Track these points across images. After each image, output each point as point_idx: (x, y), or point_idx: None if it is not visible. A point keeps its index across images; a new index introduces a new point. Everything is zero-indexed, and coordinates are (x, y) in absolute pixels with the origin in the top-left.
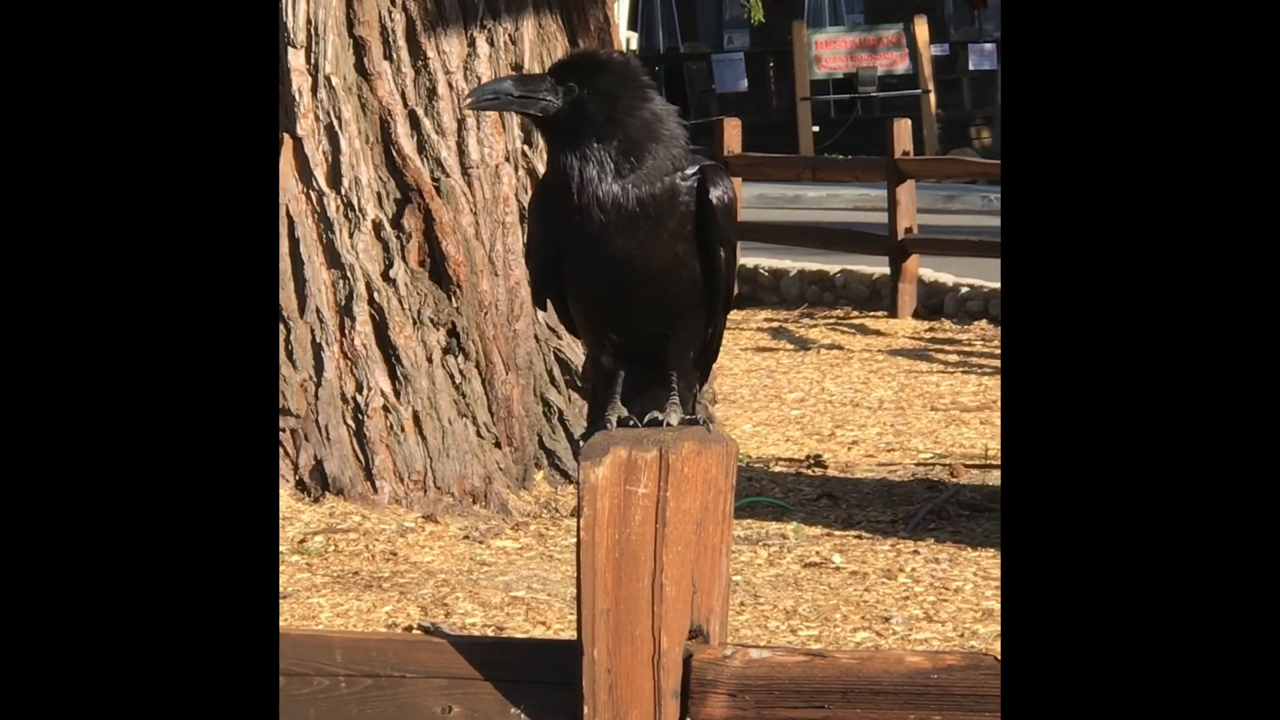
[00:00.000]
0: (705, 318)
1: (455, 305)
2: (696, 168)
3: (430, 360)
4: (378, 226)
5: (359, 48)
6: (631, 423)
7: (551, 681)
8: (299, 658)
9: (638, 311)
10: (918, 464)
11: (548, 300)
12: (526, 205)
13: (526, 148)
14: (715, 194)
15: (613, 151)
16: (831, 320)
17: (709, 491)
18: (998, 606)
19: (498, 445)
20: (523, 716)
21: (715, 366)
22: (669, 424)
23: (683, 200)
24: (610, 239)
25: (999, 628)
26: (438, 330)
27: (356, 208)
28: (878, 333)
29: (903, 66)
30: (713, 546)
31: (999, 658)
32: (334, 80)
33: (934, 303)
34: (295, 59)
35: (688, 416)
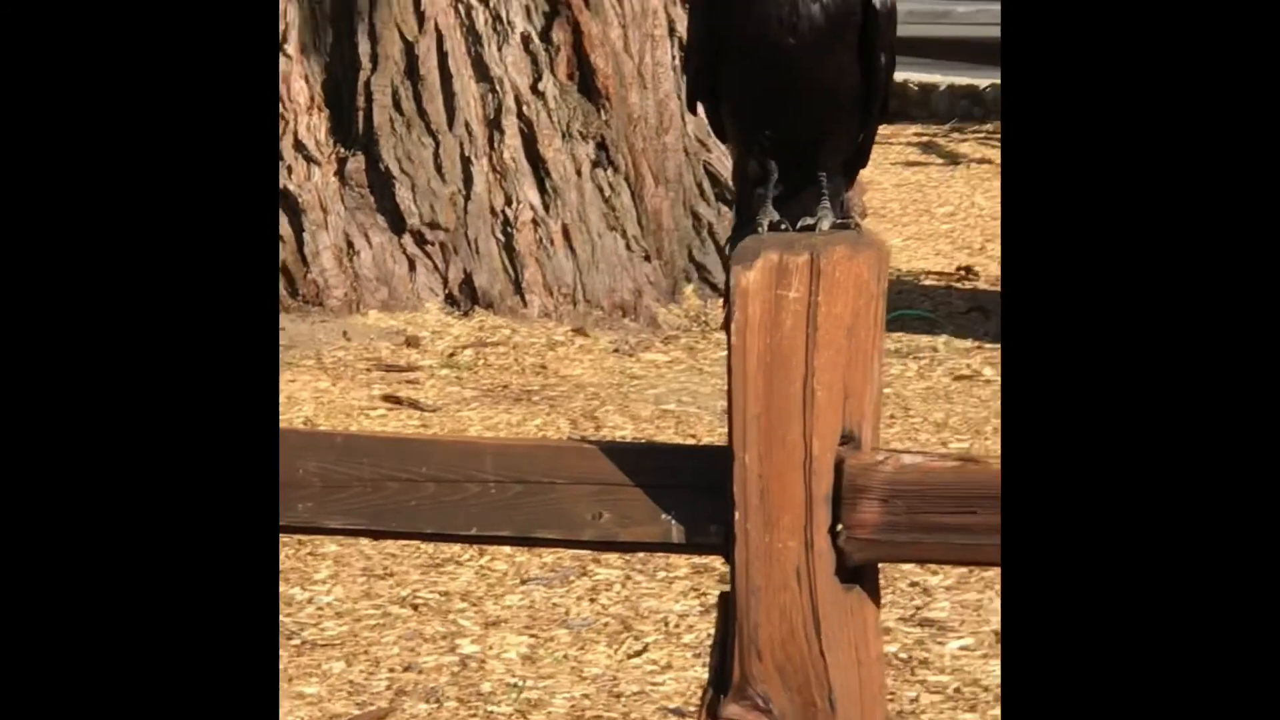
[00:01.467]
0: (860, 122)
1: (604, 118)
2: None
3: (579, 174)
4: (526, 39)
5: None
6: (784, 227)
7: (702, 487)
8: (448, 464)
9: (799, 114)
10: None
11: (699, 104)
12: (687, 5)
13: None
14: (879, 1)
15: None
16: (981, 135)
17: (860, 296)
18: None
19: (647, 258)
20: (674, 522)
21: (865, 180)
22: (821, 229)
23: (853, 7)
24: (784, 45)
25: None
26: (586, 143)
27: (505, 20)
28: None
29: None
30: (864, 352)
31: None
32: None
33: None
34: None
35: (840, 221)
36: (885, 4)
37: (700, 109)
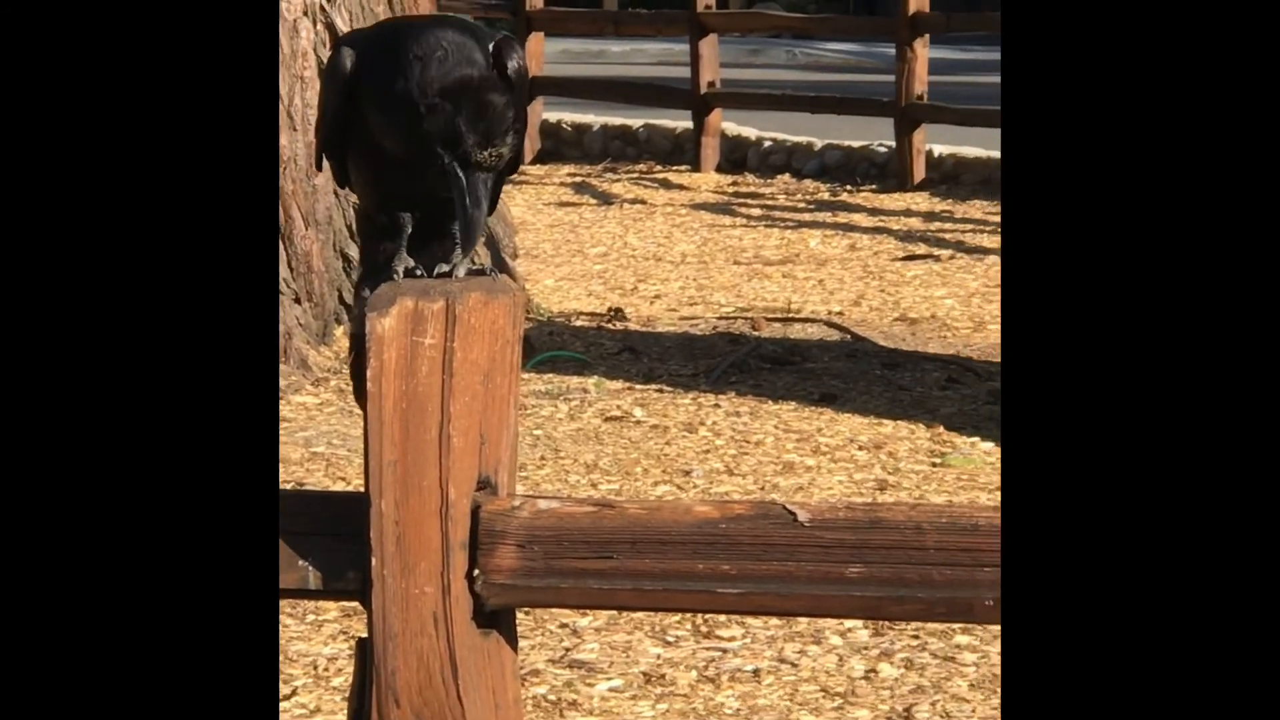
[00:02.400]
0: (493, 179)
1: None
2: (493, 44)
3: None
4: None
5: None
6: (419, 273)
7: (341, 534)
8: None
9: (429, 177)
10: (720, 318)
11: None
12: (322, 69)
13: (325, 2)
14: (511, 66)
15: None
16: (635, 175)
17: (496, 342)
18: (797, 459)
19: (297, 301)
20: (311, 568)
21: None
22: (457, 275)
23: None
24: (421, 120)
25: (799, 480)
26: None
27: None
28: (681, 187)
29: None
30: (501, 398)
31: (788, 507)
32: None
33: (737, 157)
34: None
35: (475, 267)
36: (518, 70)
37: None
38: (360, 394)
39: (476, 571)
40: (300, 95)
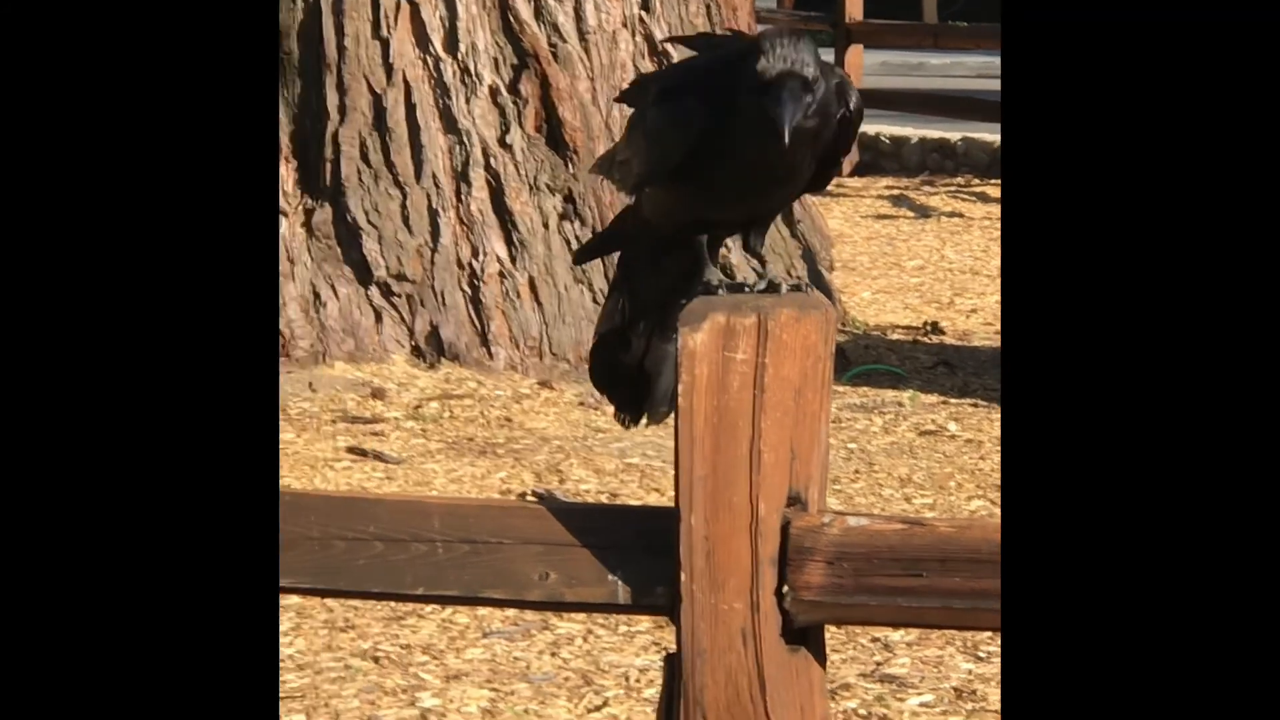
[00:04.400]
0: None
1: (571, 171)
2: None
3: (546, 226)
4: (494, 92)
5: None
6: (745, 288)
7: (650, 548)
8: (396, 523)
9: (752, 202)
10: None
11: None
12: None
13: (644, 13)
14: (854, 103)
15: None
16: (952, 188)
17: (808, 358)
18: None
19: None
20: (620, 583)
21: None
22: (776, 287)
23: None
24: (777, 159)
25: None
26: (554, 196)
27: (473, 73)
28: (999, 200)
29: None
30: (811, 414)
31: None
32: None
33: None
34: None
35: (791, 282)
36: (858, 113)
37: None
38: (599, 384)
39: (786, 588)
40: (619, 107)
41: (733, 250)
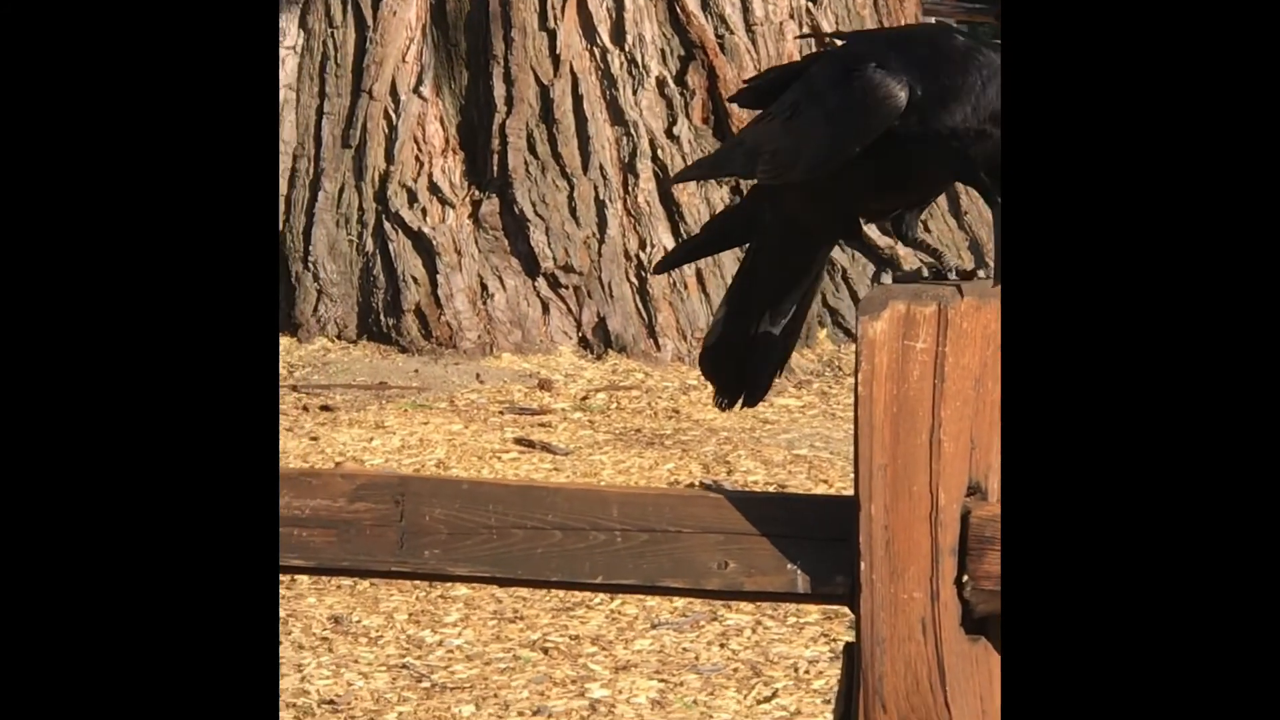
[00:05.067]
0: None
1: None
2: None
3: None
4: (661, 83)
5: None
6: (928, 272)
7: (828, 538)
8: (574, 512)
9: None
10: None
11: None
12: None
13: (811, 4)
14: None
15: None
16: None
17: (988, 347)
18: None
19: None
20: (799, 572)
21: None
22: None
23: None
24: (970, 146)
25: None
26: (721, 187)
27: (640, 64)
28: None
29: None
30: (991, 403)
31: None
32: None
33: None
34: None
35: (972, 268)
36: None
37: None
38: (707, 372)
39: (965, 577)
40: None
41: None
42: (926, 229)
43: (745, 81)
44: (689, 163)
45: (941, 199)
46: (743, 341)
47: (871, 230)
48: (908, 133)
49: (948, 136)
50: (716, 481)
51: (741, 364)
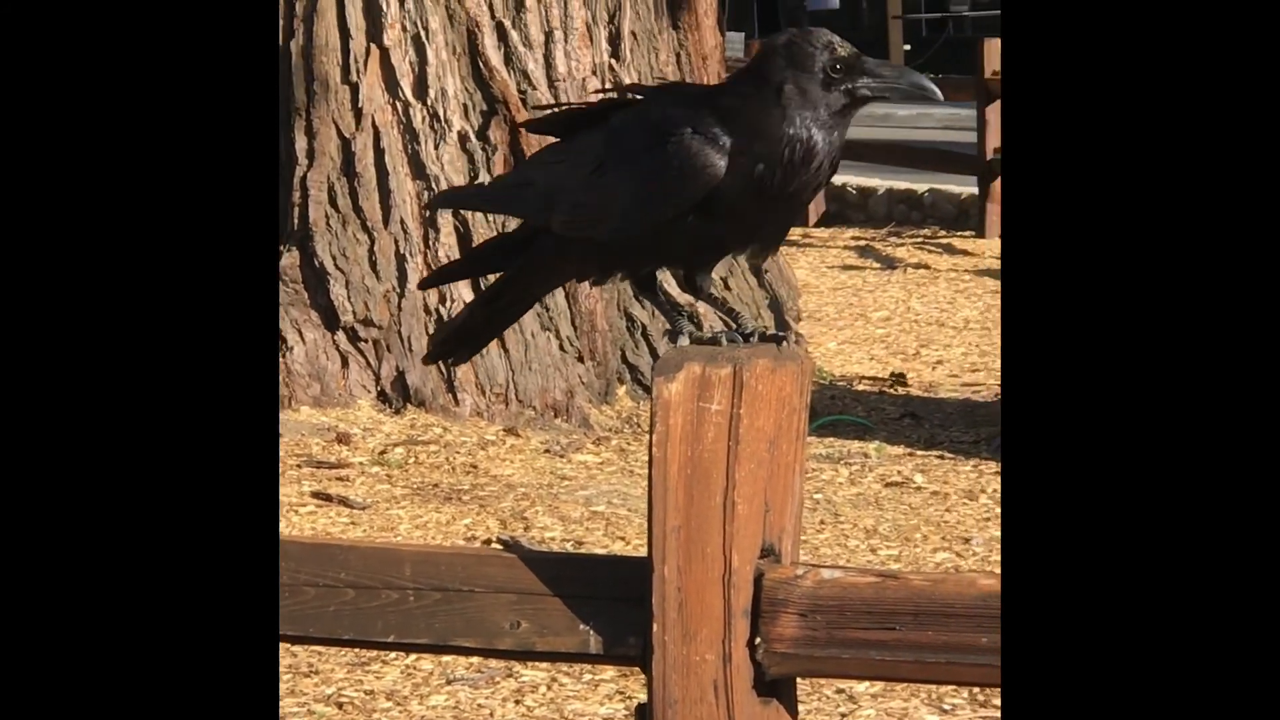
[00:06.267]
0: None
1: None
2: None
3: None
4: (463, 138)
5: None
6: (710, 337)
7: (622, 598)
8: (368, 570)
9: (728, 246)
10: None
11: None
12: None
13: (614, 61)
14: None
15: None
16: (919, 239)
17: (783, 409)
18: None
19: (580, 359)
20: (592, 633)
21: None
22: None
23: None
24: (777, 201)
25: None
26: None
27: (442, 119)
28: (965, 252)
29: None
30: (786, 465)
31: None
32: None
33: None
34: None
35: (768, 333)
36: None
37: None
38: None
39: (758, 640)
40: None
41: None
42: (727, 286)
43: (535, 109)
44: (489, 219)
45: (741, 258)
46: (479, 324)
47: (670, 286)
48: (722, 196)
49: (760, 197)
50: (514, 538)
51: (467, 337)
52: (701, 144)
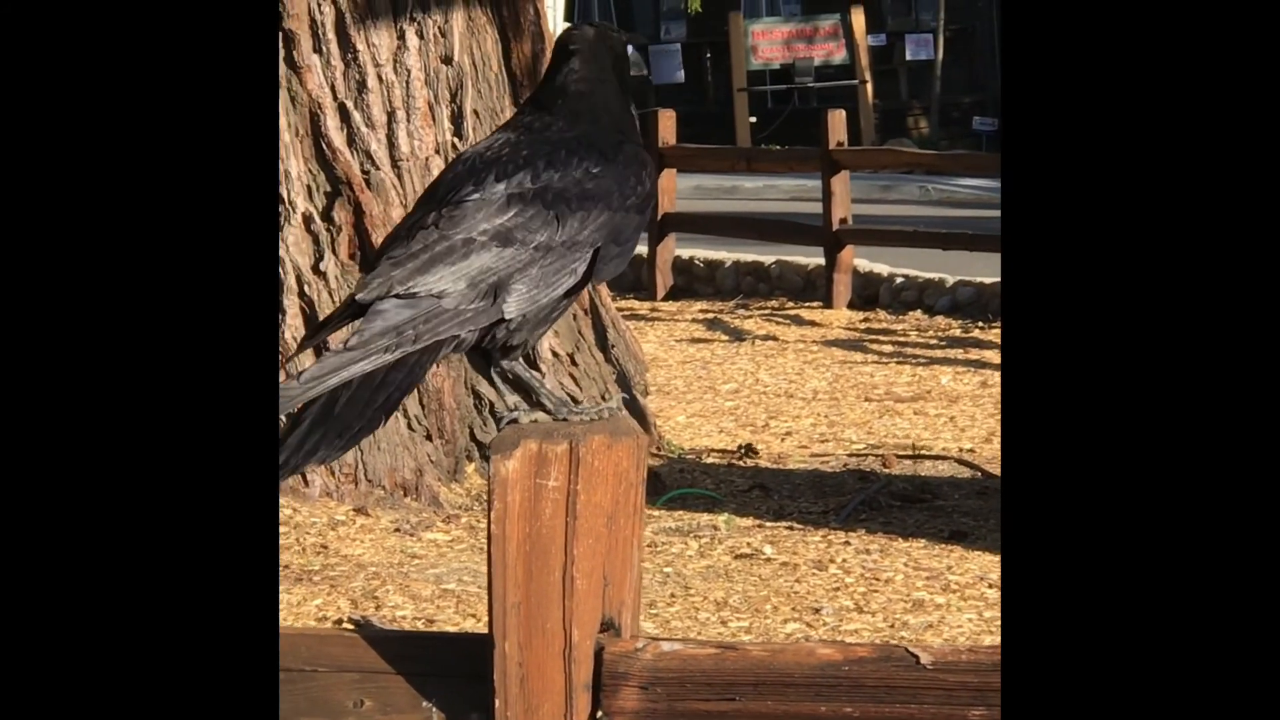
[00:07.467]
0: None
1: None
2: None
3: None
4: (308, 219)
5: (288, 40)
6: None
7: (464, 675)
8: None
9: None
10: (850, 455)
11: None
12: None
13: (456, 140)
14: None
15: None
16: (766, 311)
17: (620, 484)
18: (928, 597)
19: (429, 438)
20: (435, 710)
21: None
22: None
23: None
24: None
25: (929, 618)
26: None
27: (286, 200)
28: (812, 323)
29: (839, 57)
30: (624, 539)
31: (911, 650)
32: None
33: (869, 293)
34: None
35: (596, 408)
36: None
37: None
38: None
39: (600, 713)
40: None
41: (548, 375)
42: (574, 362)
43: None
44: (335, 299)
45: (589, 332)
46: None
47: (517, 365)
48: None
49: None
50: (365, 617)
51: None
52: (638, 150)
